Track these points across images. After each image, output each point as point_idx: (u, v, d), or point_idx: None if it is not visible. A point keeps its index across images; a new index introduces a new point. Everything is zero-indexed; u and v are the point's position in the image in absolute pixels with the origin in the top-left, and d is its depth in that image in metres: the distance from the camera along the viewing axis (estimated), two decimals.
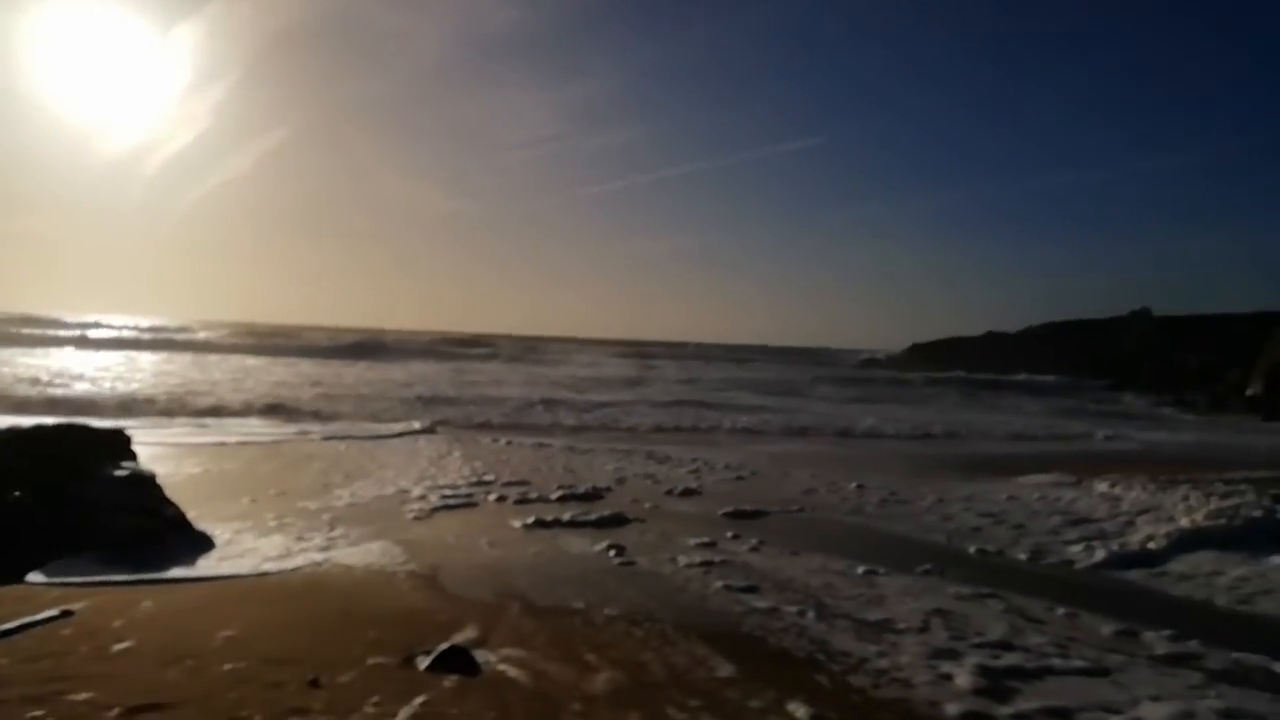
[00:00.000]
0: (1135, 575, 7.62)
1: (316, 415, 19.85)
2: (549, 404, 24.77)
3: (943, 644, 5.38)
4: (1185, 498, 10.40)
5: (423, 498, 10.03)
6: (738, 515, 9.67)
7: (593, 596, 6.20)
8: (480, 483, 11.19)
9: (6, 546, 6.34)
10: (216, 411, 19.56)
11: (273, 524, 8.32)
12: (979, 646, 5.34)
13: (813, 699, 4.34)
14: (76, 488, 7.23)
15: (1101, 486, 11.89)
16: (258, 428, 17.34)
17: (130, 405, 19.59)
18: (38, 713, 3.65)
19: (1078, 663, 5.11)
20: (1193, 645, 5.51)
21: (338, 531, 8.13)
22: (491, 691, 4.25)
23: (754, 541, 8.30)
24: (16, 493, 6.91)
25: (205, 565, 6.81)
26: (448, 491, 10.45)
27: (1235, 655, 5.34)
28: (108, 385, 23.69)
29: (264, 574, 6.60)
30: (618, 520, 9.15)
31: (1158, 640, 5.62)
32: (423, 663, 4.57)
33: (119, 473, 7.77)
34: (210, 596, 5.89)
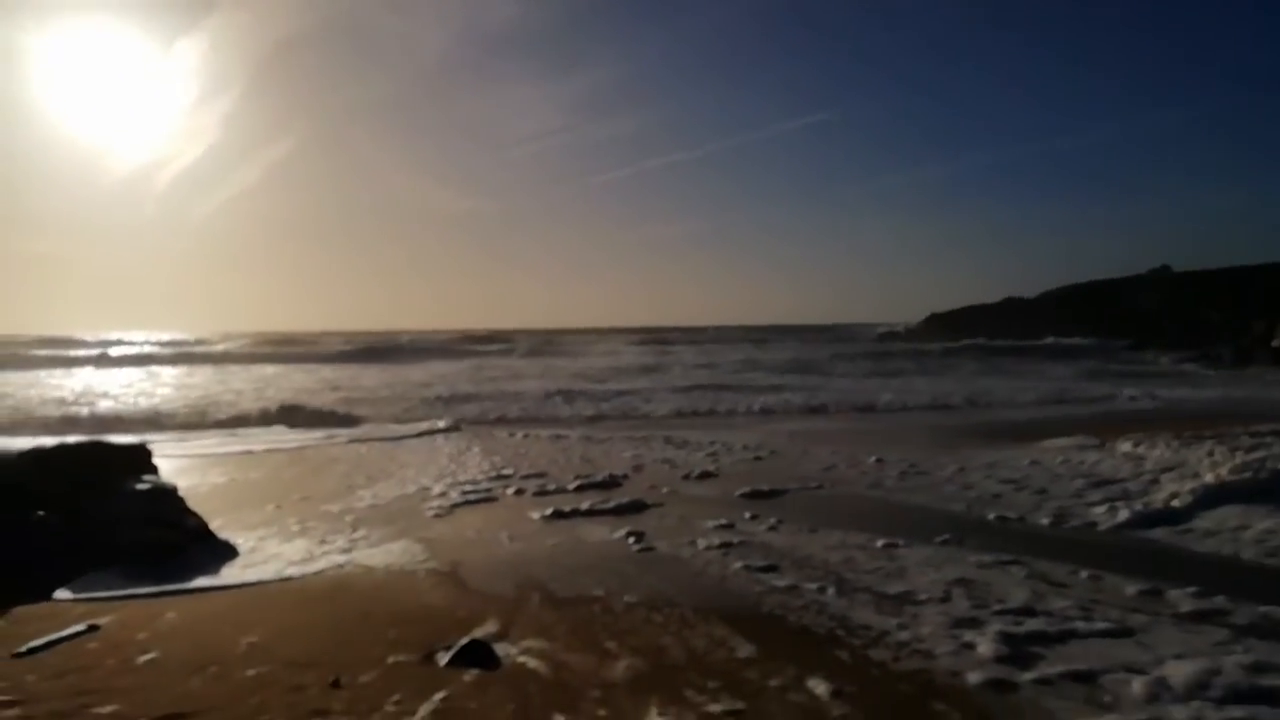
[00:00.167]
0: (1160, 534, 7.54)
1: (338, 419, 19.99)
2: (566, 395, 24.76)
3: (964, 613, 5.34)
4: (1210, 453, 10.28)
5: (443, 495, 10.08)
6: (756, 495, 9.66)
7: (612, 584, 6.21)
8: (499, 477, 11.23)
9: (32, 565, 6.43)
10: (240, 421, 19.74)
11: (296, 529, 8.40)
12: (1001, 614, 5.31)
13: (833, 674, 4.33)
14: (98, 504, 7.32)
15: (1125, 447, 11.77)
16: (281, 435, 17.49)
17: (155, 420, 19.83)
18: None
19: (1101, 625, 5.07)
20: (1219, 601, 5.45)
21: (360, 533, 8.19)
22: (511, 684, 4.27)
23: (773, 521, 8.28)
24: (40, 512, 7.01)
25: (229, 573, 6.89)
26: (468, 487, 10.50)
27: (1262, 609, 5.27)
28: (132, 401, 23.97)
29: (287, 579, 6.66)
30: (636, 507, 9.16)
31: (1182, 598, 5.56)
32: (443, 659, 4.60)
33: (140, 486, 7.85)
34: (233, 604, 5.95)
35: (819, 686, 4.18)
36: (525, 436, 16.08)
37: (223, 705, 3.95)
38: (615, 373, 35.57)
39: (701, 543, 7.45)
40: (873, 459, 12.02)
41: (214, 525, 8.01)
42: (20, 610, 5.67)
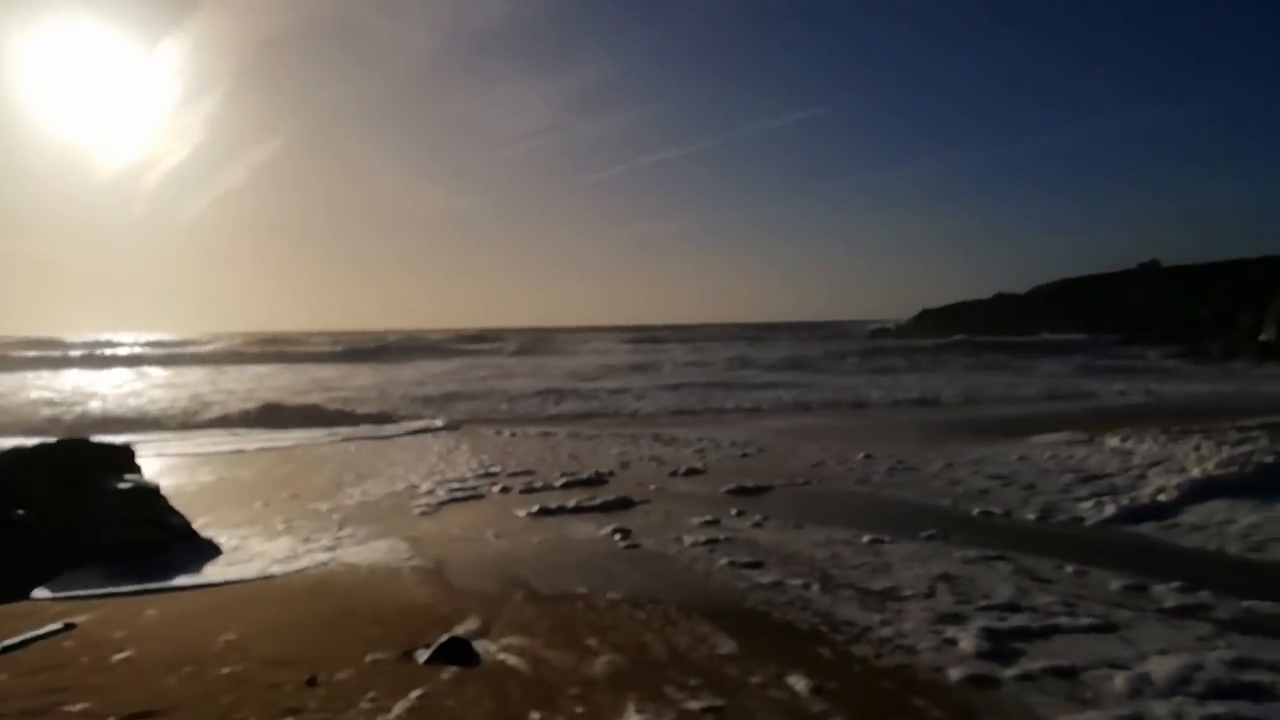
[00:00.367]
0: (1146, 528, 7.55)
1: (328, 418, 19.86)
2: (556, 394, 24.72)
3: (948, 609, 5.32)
4: (1197, 447, 10.28)
5: (430, 493, 10.03)
6: (742, 492, 9.64)
7: (596, 581, 6.18)
8: (487, 475, 11.19)
9: (11, 565, 6.36)
10: (229, 421, 19.60)
11: (281, 527, 8.34)
12: (985, 609, 5.29)
13: (814, 671, 4.30)
14: (79, 503, 7.26)
15: (1113, 441, 11.77)
16: (270, 434, 17.39)
17: (144, 420, 19.68)
18: None
19: (1085, 620, 5.05)
20: (1203, 596, 5.44)
21: (346, 531, 8.13)
22: (490, 681, 4.23)
23: (758, 517, 8.26)
24: (20, 511, 6.93)
25: (211, 572, 6.82)
26: (455, 485, 10.46)
27: (1246, 604, 5.26)
28: (120, 402, 23.80)
29: (269, 577, 6.61)
30: (622, 504, 9.13)
31: (1167, 593, 5.55)
32: (422, 656, 4.56)
33: (122, 485, 7.79)
34: (213, 602, 5.89)
35: (800, 683, 4.14)
36: (514, 435, 16.03)
37: (195, 703, 3.90)
38: (605, 371, 35.53)
39: (687, 539, 7.41)
40: (861, 455, 12.01)
41: (199, 524, 7.95)
42: None
